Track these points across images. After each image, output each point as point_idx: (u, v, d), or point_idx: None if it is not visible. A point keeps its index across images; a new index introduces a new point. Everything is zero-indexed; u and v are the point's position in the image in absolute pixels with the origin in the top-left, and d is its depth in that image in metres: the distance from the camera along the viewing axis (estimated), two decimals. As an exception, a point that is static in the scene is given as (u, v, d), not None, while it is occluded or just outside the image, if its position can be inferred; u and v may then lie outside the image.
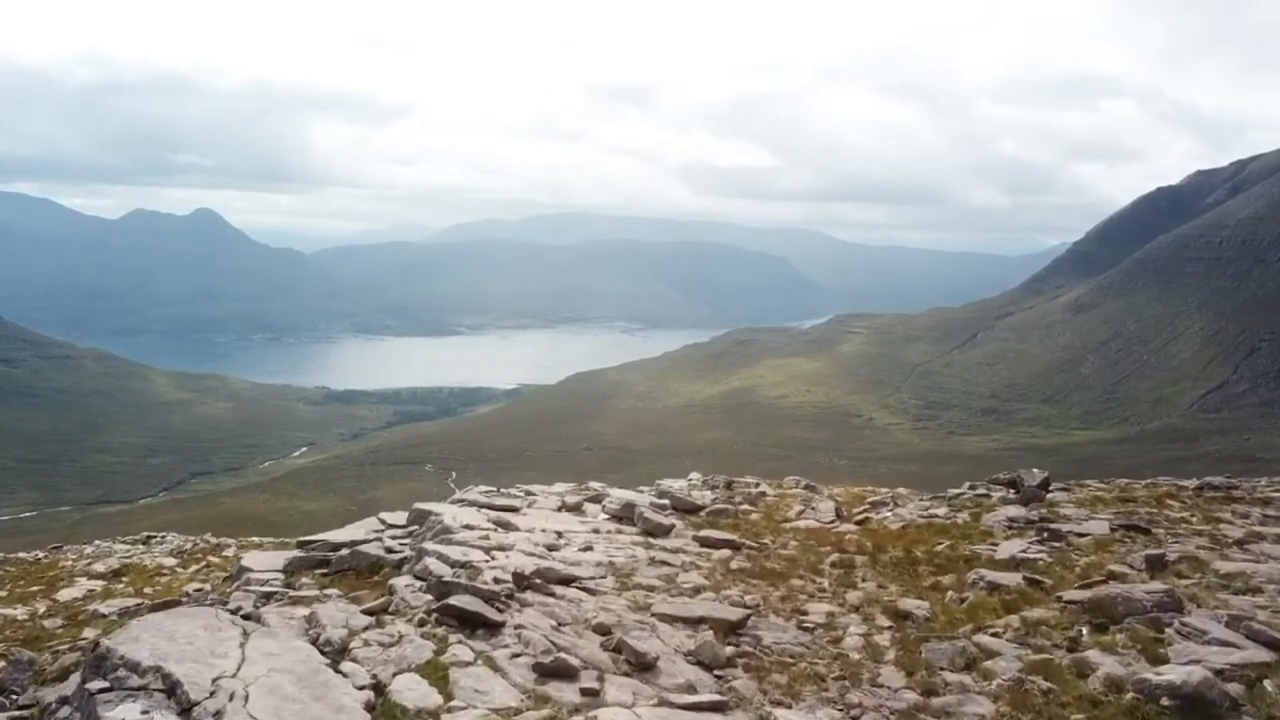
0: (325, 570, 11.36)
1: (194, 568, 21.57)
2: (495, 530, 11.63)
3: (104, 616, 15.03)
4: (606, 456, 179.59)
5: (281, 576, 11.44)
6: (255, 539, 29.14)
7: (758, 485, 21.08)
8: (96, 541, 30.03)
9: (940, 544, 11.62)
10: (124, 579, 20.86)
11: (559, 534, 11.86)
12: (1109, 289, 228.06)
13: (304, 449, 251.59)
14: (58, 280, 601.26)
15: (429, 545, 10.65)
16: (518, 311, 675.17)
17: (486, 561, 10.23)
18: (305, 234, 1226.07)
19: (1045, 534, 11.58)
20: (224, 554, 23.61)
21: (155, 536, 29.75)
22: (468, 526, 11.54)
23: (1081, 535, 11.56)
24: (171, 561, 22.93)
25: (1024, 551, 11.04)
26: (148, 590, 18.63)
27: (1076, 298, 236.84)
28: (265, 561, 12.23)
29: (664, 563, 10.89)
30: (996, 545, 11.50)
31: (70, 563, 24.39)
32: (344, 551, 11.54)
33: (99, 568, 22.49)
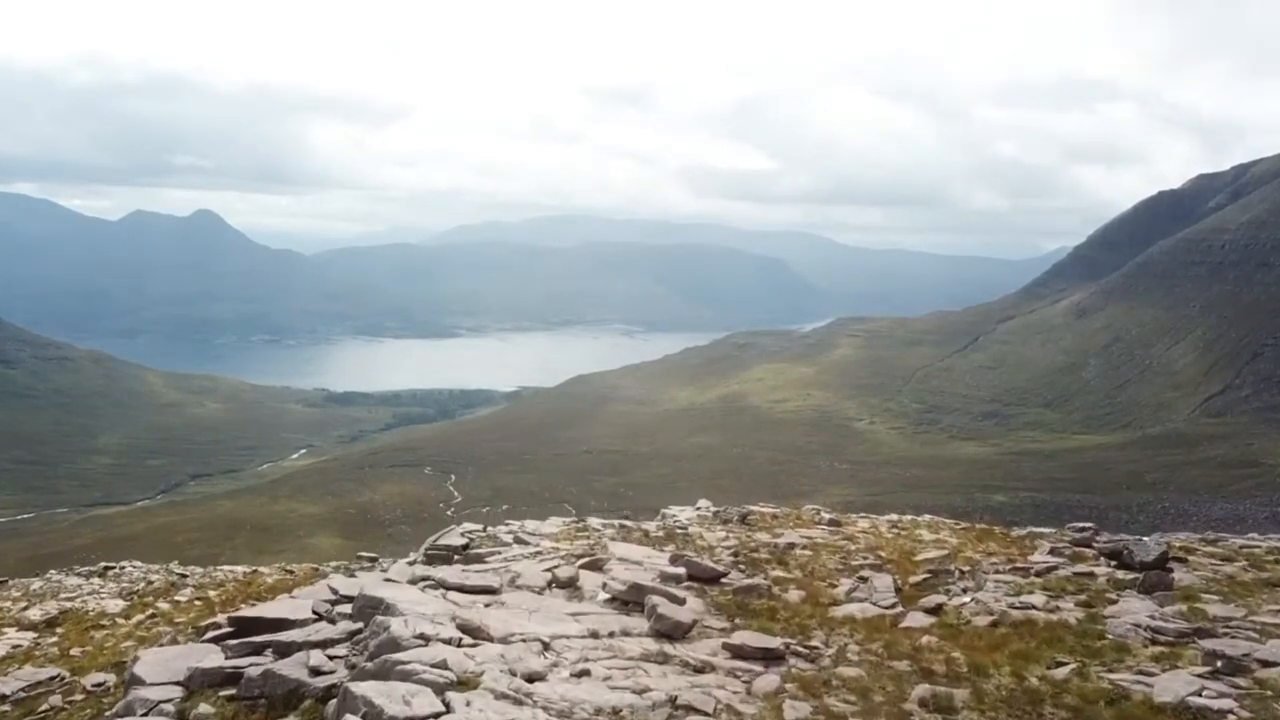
0: (232, 694, 8.74)
1: (137, 617, 19.01)
2: (459, 643, 8.55)
3: (4, 699, 12.45)
4: (606, 460, 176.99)
5: (179, 695, 8.87)
6: (225, 571, 26.65)
7: (776, 521, 18.56)
8: (51, 572, 27.53)
9: (1061, 663, 8.68)
10: (58, 630, 18.29)
11: (545, 644, 8.88)
12: (1111, 293, 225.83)
13: (302, 451, 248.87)
14: (57, 281, 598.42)
15: (358, 685, 7.52)
16: (517, 314, 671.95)
17: (436, 718, 7.19)
18: (305, 235, 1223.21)
19: (1218, 662, 8.24)
20: (177, 597, 21.04)
21: (114, 568, 27.27)
22: (421, 637, 8.50)
23: (1270, 664, 8.29)
24: (117, 607, 20.34)
25: (1197, 694, 7.74)
26: (75, 651, 16.13)
27: (1078, 302, 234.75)
28: (164, 669, 9.51)
29: (690, 707, 7.71)
30: (1150, 678, 8.19)
31: (9, 604, 21.83)
32: (255, 671, 8.83)
33: (35, 614, 19.87)
